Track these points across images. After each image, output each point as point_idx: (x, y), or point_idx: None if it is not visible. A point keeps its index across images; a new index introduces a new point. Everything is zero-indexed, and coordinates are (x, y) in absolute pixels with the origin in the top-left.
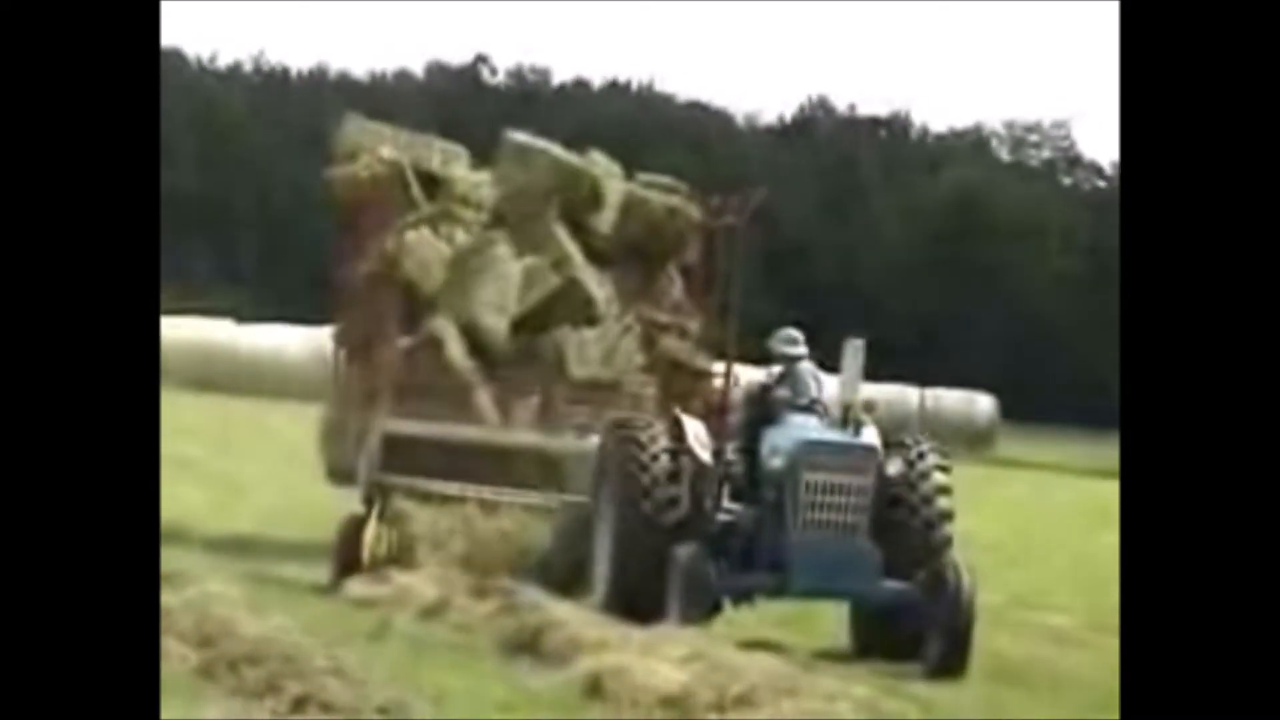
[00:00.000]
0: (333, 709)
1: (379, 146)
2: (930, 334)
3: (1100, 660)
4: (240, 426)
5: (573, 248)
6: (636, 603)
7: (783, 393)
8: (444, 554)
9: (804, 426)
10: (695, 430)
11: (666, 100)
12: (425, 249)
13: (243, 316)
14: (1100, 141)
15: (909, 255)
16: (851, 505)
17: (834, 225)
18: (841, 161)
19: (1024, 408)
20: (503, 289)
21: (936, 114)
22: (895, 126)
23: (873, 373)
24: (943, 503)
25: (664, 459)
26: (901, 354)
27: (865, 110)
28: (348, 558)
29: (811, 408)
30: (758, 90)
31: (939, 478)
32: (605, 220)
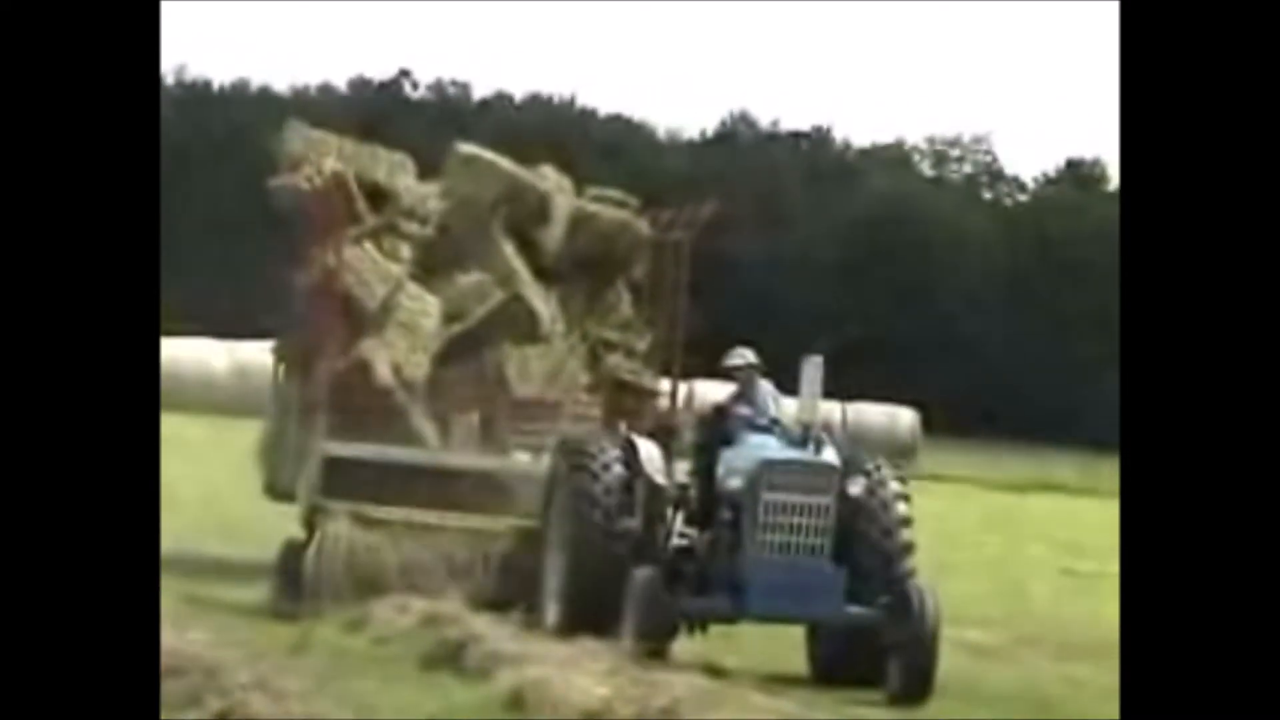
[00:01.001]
0: None
1: (323, 156)
2: (852, 348)
3: (1021, 674)
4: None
5: (519, 263)
6: (591, 627)
7: (741, 411)
8: (385, 579)
9: (762, 446)
10: (648, 452)
11: (588, 114)
12: (366, 264)
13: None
14: (1020, 156)
15: (830, 269)
16: (812, 526)
17: (755, 239)
18: (763, 175)
19: (946, 421)
20: (442, 305)
21: (858, 128)
22: (817, 140)
23: (793, 387)
24: (906, 527)
25: (617, 482)
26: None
27: (787, 124)
28: (289, 581)
29: (769, 428)
30: (680, 104)
31: (901, 501)
32: (553, 235)
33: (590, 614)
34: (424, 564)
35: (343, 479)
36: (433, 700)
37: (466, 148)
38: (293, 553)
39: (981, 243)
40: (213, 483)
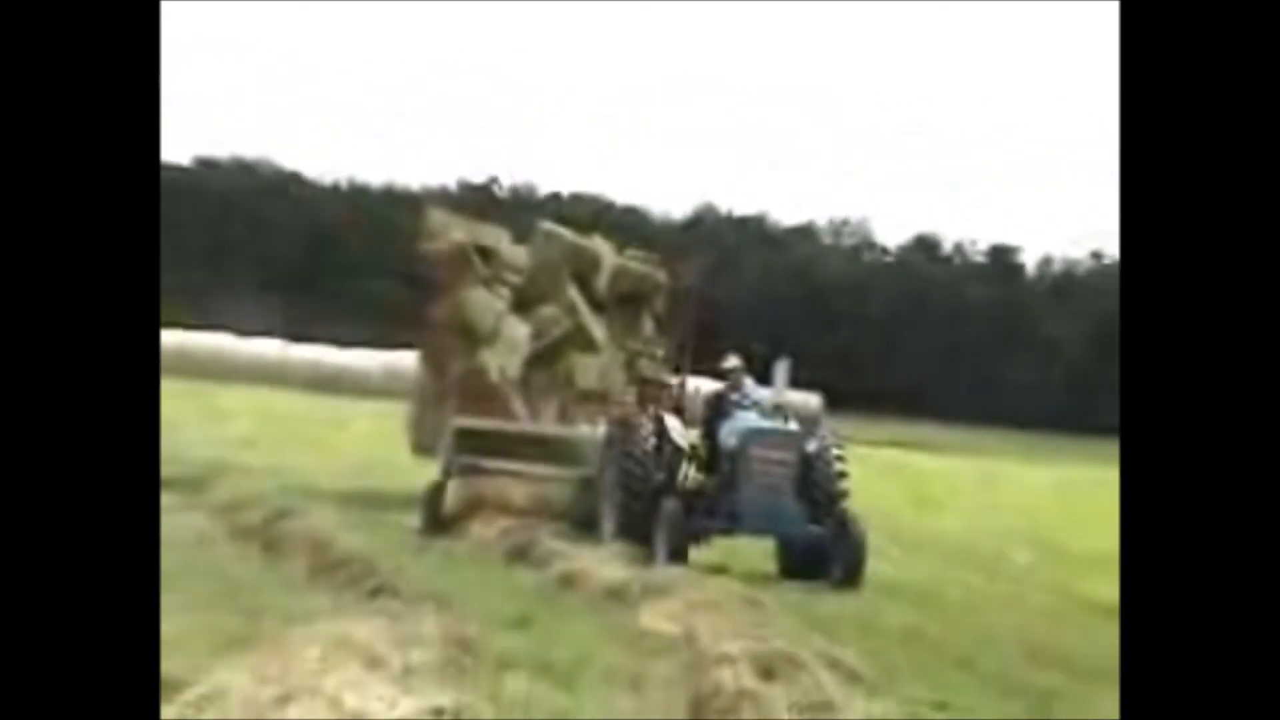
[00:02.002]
0: (396, 594)
1: (452, 230)
2: (777, 353)
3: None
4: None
5: (580, 300)
6: (635, 541)
7: (732, 397)
8: (498, 509)
9: (748, 419)
10: (673, 424)
11: (603, 203)
12: (481, 301)
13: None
14: (887, 230)
15: (767, 305)
16: (783, 473)
17: (714, 288)
18: (719, 247)
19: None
20: (530, 329)
21: (783, 213)
22: (756, 222)
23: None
24: (842, 471)
25: (651, 444)
26: (760, 369)
27: (737, 211)
28: (432, 513)
29: (752, 407)
30: (663, 194)
31: (838, 453)
32: (601, 282)
33: (633, 531)
34: (521, 498)
35: (468, 443)
36: (509, 581)
37: (546, 225)
38: (434, 492)
39: (859, 288)
40: (377, 445)
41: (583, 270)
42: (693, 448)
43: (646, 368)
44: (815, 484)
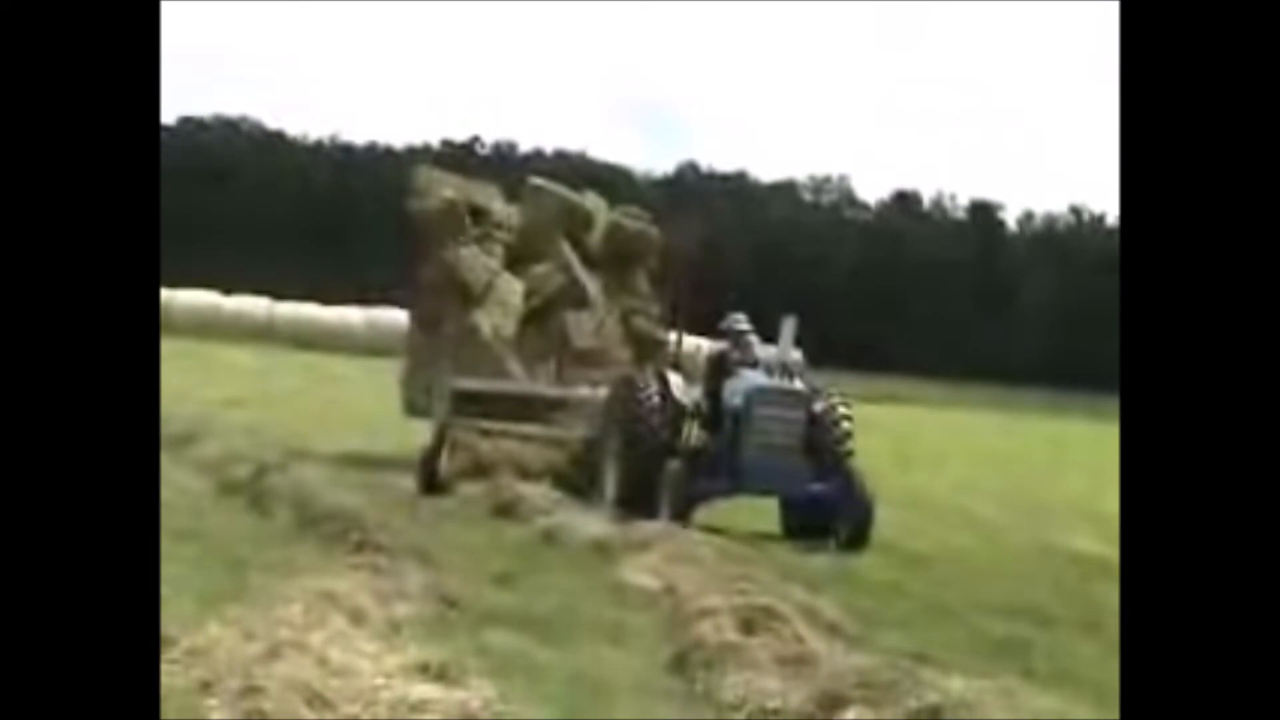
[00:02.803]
0: (381, 550)
1: (442, 188)
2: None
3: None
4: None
5: (573, 257)
6: (637, 502)
7: (736, 355)
8: (495, 471)
9: (754, 378)
10: (676, 382)
11: (590, 161)
12: (473, 260)
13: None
14: (869, 187)
15: (744, 263)
16: (788, 432)
17: (706, 245)
18: (701, 205)
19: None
20: (523, 287)
21: (763, 170)
22: (737, 180)
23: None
24: (848, 431)
25: (656, 403)
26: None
27: (719, 168)
28: (429, 475)
29: (756, 365)
30: (647, 153)
31: (844, 413)
32: (595, 238)
33: (637, 491)
34: (519, 460)
35: (464, 403)
36: (493, 537)
37: (538, 181)
38: (431, 453)
39: (841, 245)
40: (365, 403)
41: (575, 228)
42: (696, 406)
43: (642, 326)
44: (821, 443)
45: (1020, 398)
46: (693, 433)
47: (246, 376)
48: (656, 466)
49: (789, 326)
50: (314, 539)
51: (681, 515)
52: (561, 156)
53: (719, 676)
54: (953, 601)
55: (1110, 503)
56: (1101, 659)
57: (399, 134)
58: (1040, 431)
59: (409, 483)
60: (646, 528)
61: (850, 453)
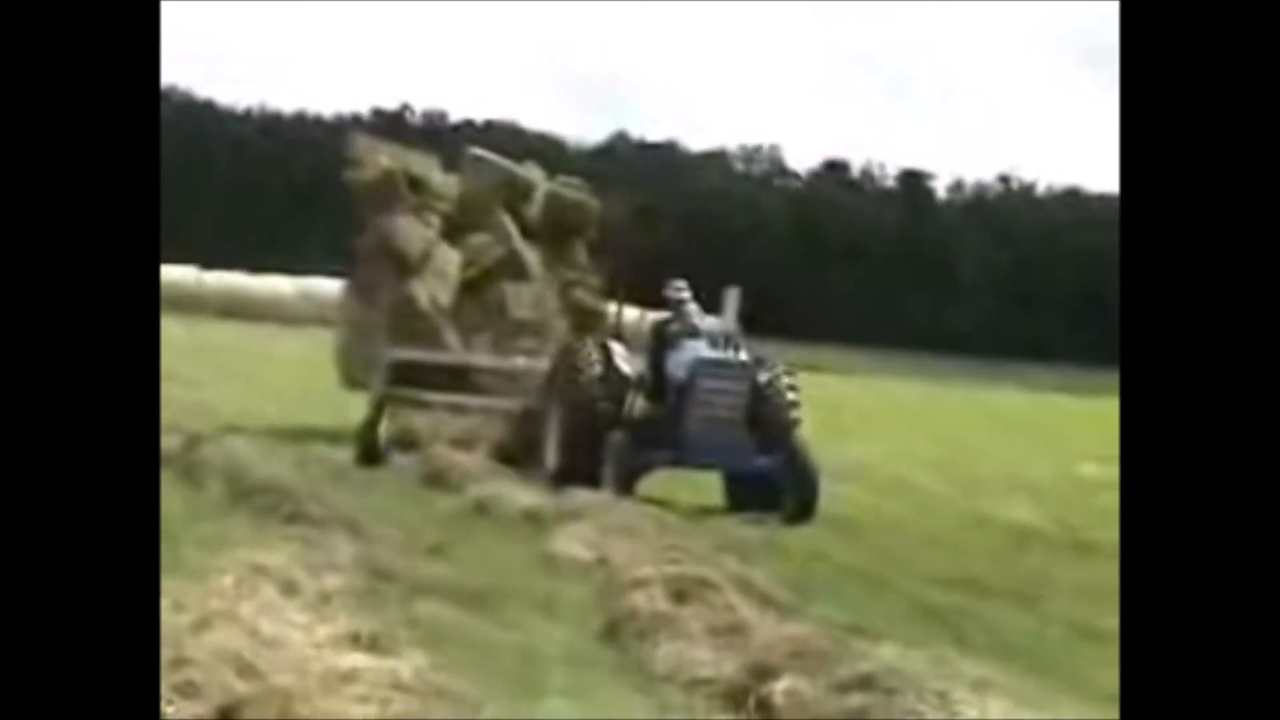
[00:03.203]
0: (313, 521)
1: (378, 156)
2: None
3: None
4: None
5: (512, 228)
6: (579, 474)
7: (676, 326)
8: (433, 443)
9: (697, 349)
10: (619, 352)
11: (521, 131)
12: (410, 229)
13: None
14: (799, 156)
15: (675, 232)
16: (733, 404)
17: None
18: (632, 176)
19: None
20: (461, 257)
21: (695, 138)
22: (667, 149)
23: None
24: (793, 402)
25: (598, 374)
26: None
27: (651, 138)
28: (367, 447)
29: (699, 335)
30: (579, 123)
31: (789, 384)
32: (534, 209)
33: (579, 463)
34: (457, 431)
35: (402, 375)
36: (425, 507)
37: (476, 151)
38: (369, 425)
39: (773, 215)
40: (296, 374)
41: (514, 198)
42: (640, 377)
43: (581, 297)
44: (766, 415)
45: (950, 367)
46: (635, 404)
47: (175, 347)
48: (598, 438)
49: (732, 297)
50: (245, 511)
51: (624, 487)
52: (492, 126)
53: (651, 647)
54: (886, 571)
55: (1042, 473)
56: (1034, 628)
57: (328, 102)
58: (971, 401)
59: (341, 455)
60: (579, 498)
61: (795, 425)
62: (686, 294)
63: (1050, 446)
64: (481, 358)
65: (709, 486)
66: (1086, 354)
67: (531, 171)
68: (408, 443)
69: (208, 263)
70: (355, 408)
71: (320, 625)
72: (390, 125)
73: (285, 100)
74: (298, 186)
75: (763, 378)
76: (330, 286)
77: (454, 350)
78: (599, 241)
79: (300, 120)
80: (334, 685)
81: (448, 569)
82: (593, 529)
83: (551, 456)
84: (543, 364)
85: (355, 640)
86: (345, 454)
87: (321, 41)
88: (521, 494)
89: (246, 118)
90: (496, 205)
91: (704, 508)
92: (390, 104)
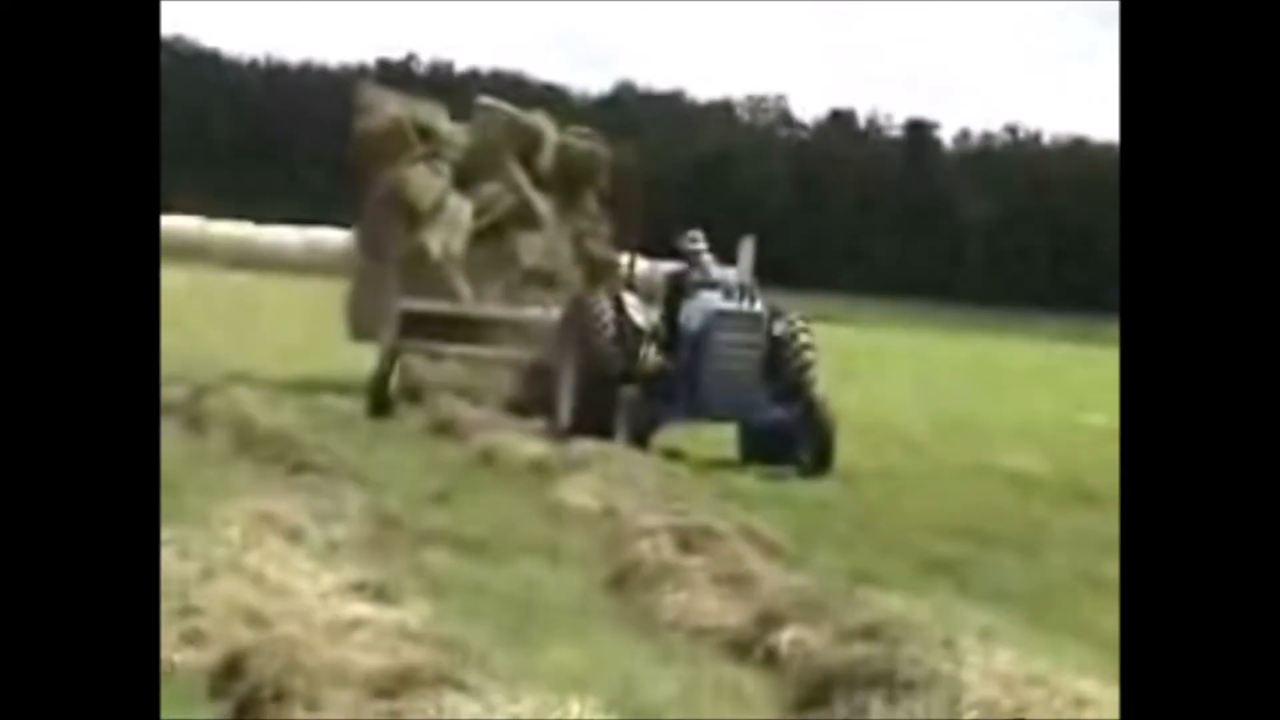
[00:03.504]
0: (319, 470)
1: (386, 105)
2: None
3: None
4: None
5: (523, 177)
6: (592, 427)
7: (693, 276)
8: (445, 393)
9: (713, 300)
10: (632, 303)
11: (527, 81)
12: (421, 179)
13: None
14: (804, 107)
15: (681, 182)
16: (748, 356)
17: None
18: (637, 126)
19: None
20: (472, 206)
21: (700, 88)
22: (673, 100)
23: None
24: (809, 354)
25: (611, 325)
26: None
27: (657, 88)
28: (378, 398)
29: (715, 285)
30: (585, 76)
31: (805, 337)
32: (545, 158)
33: (591, 416)
34: (469, 382)
35: (413, 325)
36: (430, 457)
37: (486, 100)
38: (380, 376)
39: (778, 164)
40: (300, 323)
41: (524, 147)
42: (653, 329)
43: (593, 247)
44: (781, 367)
45: (956, 317)
46: (649, 356)
47: (181, 297)
48: (612, 391)
49: (747, 248)
50: (251, 461)
51: (639, 440)
52: (498, 76)
53: (656, 596)
54: (889, 521)
55: (1046, 422)
56: (1036, 576)
57: (334, 53)
58: (977, 350)
59: (346, 404)
60: (584, 447)
61: (812, 376)
62: (702, 244)
63: (1056, 396)
64: (493, 308)
65: (722, 439)
66: (1094, 304)
67: (541, 121)
68: (419, 393)
69: (213, 212)
70: (360, 358)
71: (326, 574)
72: (396, 75)
73: (291, 51)
74: (303, 137)
75: (778, 329)
76: (336, 237)
77: (465, 300)
78: (610, 190)
79: (305, 70)
80: (340, 634)
81: (453, 518)
82: (599, 478)
83: (564, 409)
84: (555, 315)
85: (361, 589)
86: (351, 403)
87: None
88: (526, 443)
89: (252, 68)
90: (507, 154)
91: (718, 460)
92: (396, 54)
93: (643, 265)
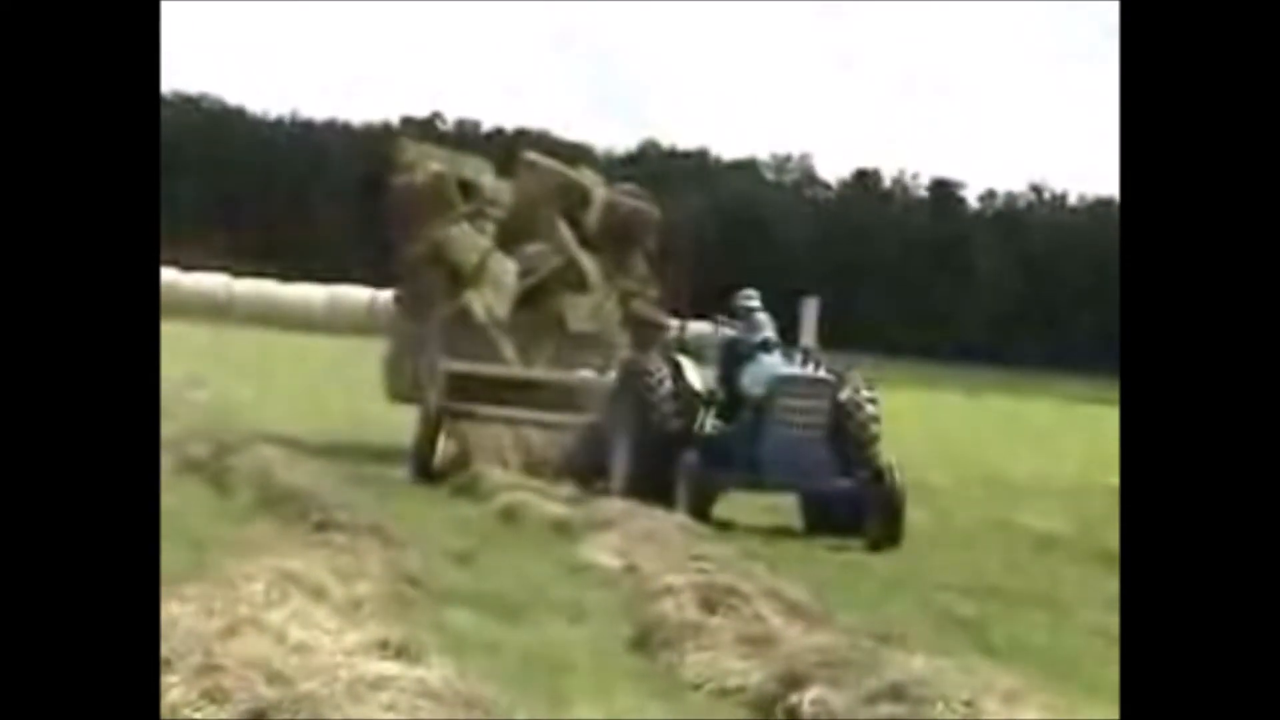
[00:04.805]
0: (342, 528)
1: (429, 161)
2: (718, 284)
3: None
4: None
5: (569, 236)
6: (650, 494)
7: (750, 338)
8: (492, 459)
9: (775, 364)
10: (689, 367)
11: (552, 139)
12: (464, 239)
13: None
14: (828, 166)
15: (707, 238)
16: (813, 423)
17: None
18: (663, 183)
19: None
20: (517, 267)
21: (724, 147)
22: (697, 158)
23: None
24: (876, 423)
25: (668, 390)
26: (705, 302)
27: (680, 146)
28: (423, 462)
29: (770, 346)
30: (608, 132)
31: (872, 406)
32: (592, 217)
33: (650, 483)
34: (517, 448)
35: (460, 388)
36: (453, 515)
37: (531, 155)
38: (425, 440)
39: (799, 226)
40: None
41: (571, 205)
42: (711, 393)
43: (641, 308)
44: (847, 434)
45: (982, 377)
46: (706, 422)
47: (206, 355)
48: (669, 457)
49: (810, 308)
50: (274, 518)
51: (698, 509)
52: (523, 135)
53: (680, 655)
54: (913, 580)
55: (1065, 480)
56: (1057, 634)
57: (359, 111)
58: (999, 409)
59: (372, 462)
60: (607, 506)
61: (877, 442)
62: (756, 303)
63: (1080, 456)
64: (541, 371)
65: (783, 508)
66: (1116, 366)
67: (589, 177)
68: (466, 458)
69: (238, 271)
70: (384, 415)
71: (349, 632)
72: (421, 134)
73: (316, 109)
74: (328, 194)
75: (843, 395)
76: (360, 295)
77: (511, 364)
78: (659, 250)
79: (331, 128)
80: (362, 692)
81: (475, 577)
82: (621, 537)
83: (620, 476)
84: (606, 378)
85: (384, 647)
86: (375, 462)
87: (352, 49)
88: (548, 502)
89: (278, 125)
90: (553, 212)
91: (778, 529)
92: (420, 112)
93: (694, 327)
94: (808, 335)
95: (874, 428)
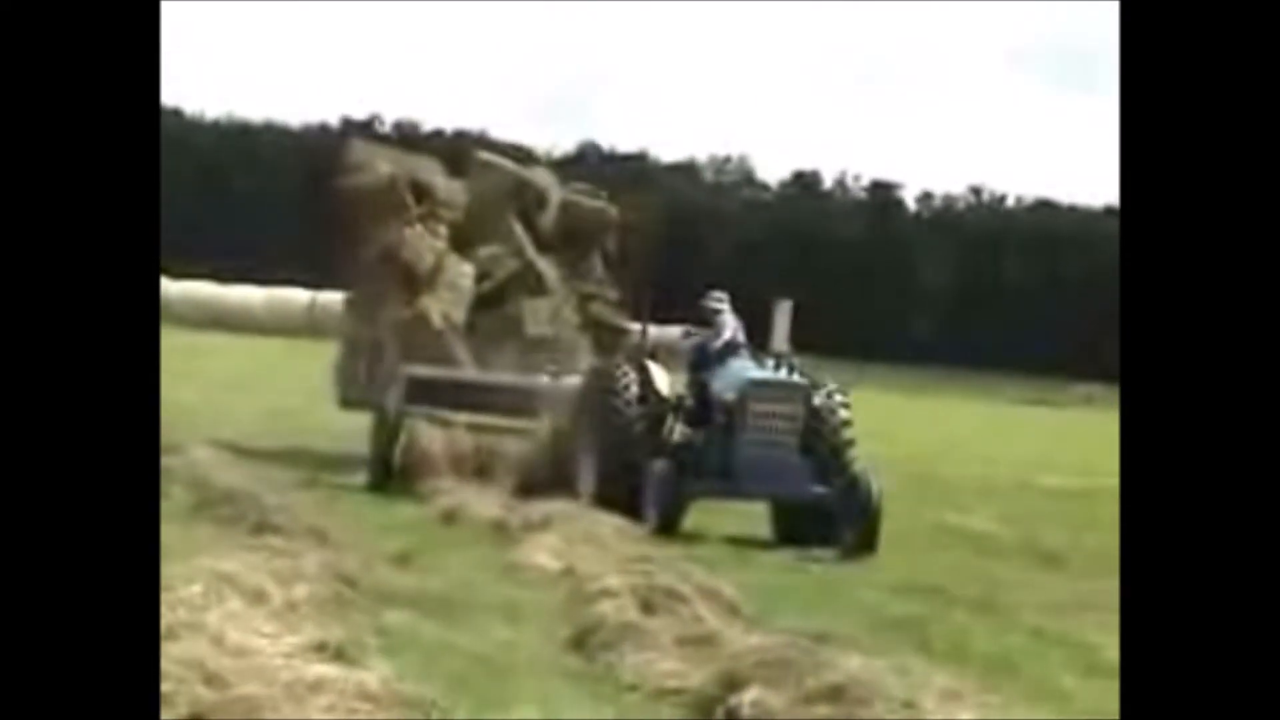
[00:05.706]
0: (279, 531)
1: (378, 161)
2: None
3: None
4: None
5: (526, 239)
6: (620, 503)
7: (719, 342)
8: (451, 463)
9: (745, 368)
10: (657, 372)
11: (491, 142)
12: (418, 240)
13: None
14: (767, 168)
15: (661, 239)
16: (786, 429)
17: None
18: (601, 183)
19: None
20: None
21: (665, 150)
22: (637, 160)
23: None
24: (849, 428)
25: (635, 395)
26: (663, 306)
27: (620, 149)
28: (381, 467)
29: (744, 353)
30: (548, 134)
31: (845, 411)
32: (548, 218)
33: (619, 491)
34: (478, 452)
35: (418, 393)
36: (391, 516)
37: (485, 155)
38: (383, 445)
39: (740, 223)
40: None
41: (526, 205)
42: (679, 399)
43: (600, 311)
44: (820, 440)
45: (917, 377)
46: (675, 428)
47: None
48: (638, 465)
49: (784, 312)
50: (212, 521)
51: (668, 520)
52: (463, 136)
53: (618, 656)
54: (851, 581)
55: (1003, 481)
56: (996, 636)
57: (296, 112)
58: (936, 411)
59: (311, 466)
60: (545, 507)
61: (851, 448)
62: (725, 305)
63: (1017, 458)
64: (507, 376)
65: (752, 516)
66: (1053, 367)
67: (544, 177)
68: (425, 465)
69: (175, 273)
70: (323, 417)
71: (287, 634)
72: (362, 135)
73: (252, 109)
74: (266, 195)
75: (817, 400)
76: (300, 297)
77: (465, 369)
78: (618, 251)
79: (268, 129)
80: (301, 695)
81: (414, 578)
82: (559, 539)
83: (587, 484)
84: (568, 382)
85: (322, 649)
86: (315, 464)
87: (289, 51)
88: (486, 504)
89: (214, 127)
90: (508, 214)
91: (745, 539)
92: (359, 114)
93: (655, 330)
94: (780, 339)
95: (847, 433)
